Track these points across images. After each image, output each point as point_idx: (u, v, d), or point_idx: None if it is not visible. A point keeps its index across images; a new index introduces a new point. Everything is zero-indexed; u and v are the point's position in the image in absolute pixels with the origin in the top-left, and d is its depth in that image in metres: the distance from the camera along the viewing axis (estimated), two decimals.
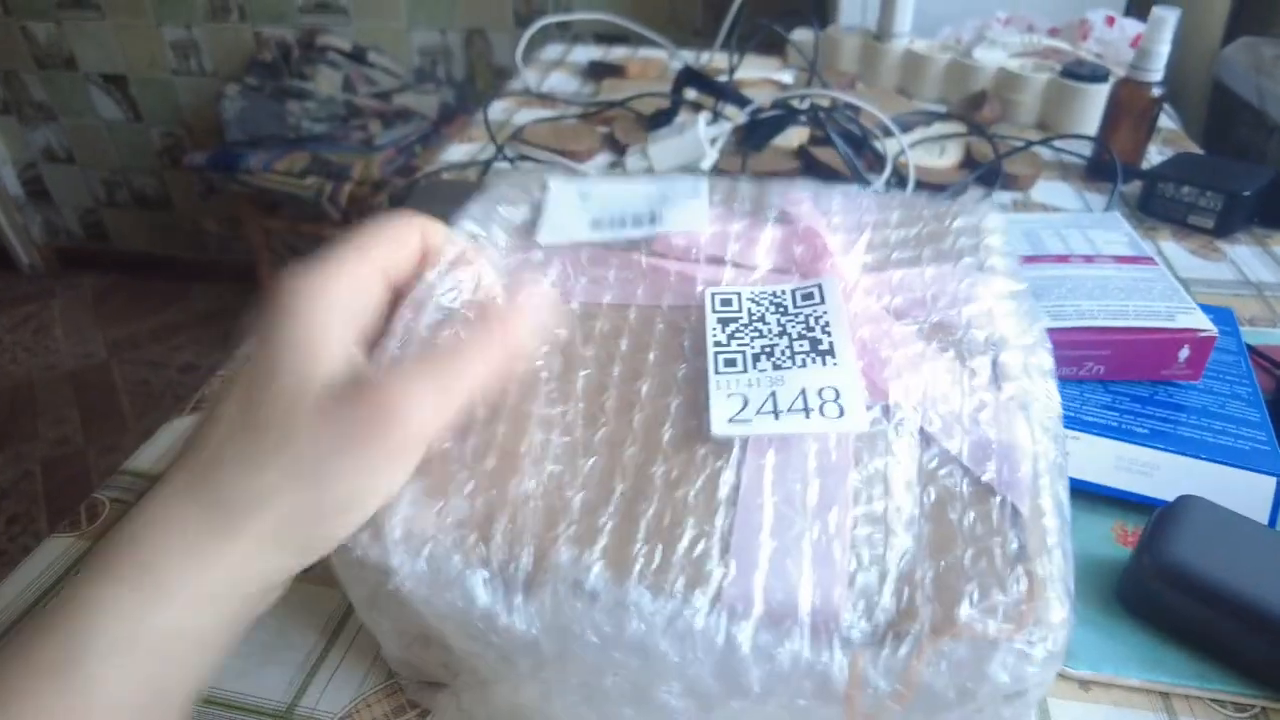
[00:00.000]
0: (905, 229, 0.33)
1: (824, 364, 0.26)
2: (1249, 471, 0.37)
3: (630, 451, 0.25)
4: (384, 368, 0.25)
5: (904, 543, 0.22)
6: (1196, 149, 0.77)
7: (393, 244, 0.27)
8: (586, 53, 1.07)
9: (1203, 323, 0.40)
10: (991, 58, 0.81)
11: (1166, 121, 0.82)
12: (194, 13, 1.82)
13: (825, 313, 0.28)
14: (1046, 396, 0.26)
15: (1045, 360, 0.28)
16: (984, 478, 0.24)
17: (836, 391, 0.25)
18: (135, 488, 0.40)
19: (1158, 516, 0.34)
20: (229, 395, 0.23)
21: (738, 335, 0.28)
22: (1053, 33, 0.84)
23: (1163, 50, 0.64)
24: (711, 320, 0.29)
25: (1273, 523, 0.37)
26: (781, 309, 0.29)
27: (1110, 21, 0.80)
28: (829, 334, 0.27)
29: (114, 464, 0.43)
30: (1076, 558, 0.37)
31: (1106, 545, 0.38)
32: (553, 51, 1.09)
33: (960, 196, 0.33)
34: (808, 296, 0.29)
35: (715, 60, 0.95)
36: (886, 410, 0.25)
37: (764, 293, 0.29)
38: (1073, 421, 0.39)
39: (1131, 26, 0.80)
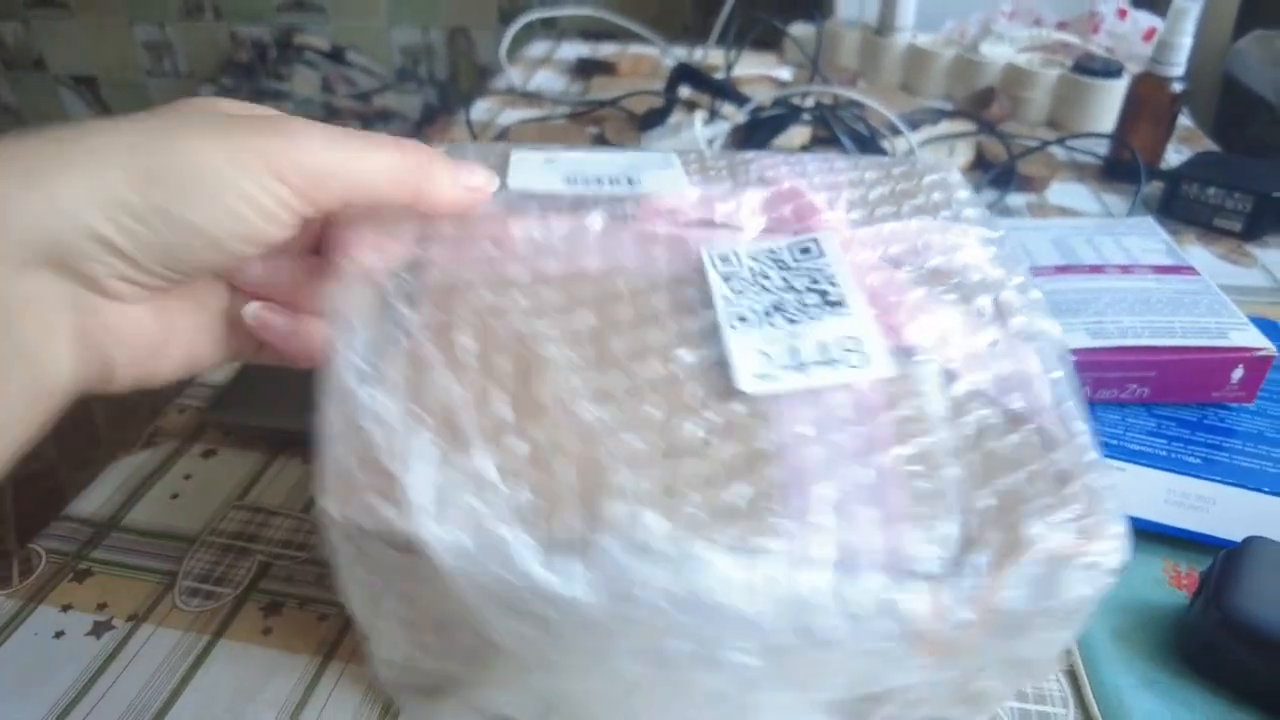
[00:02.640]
0: (881, 187, 0.33)
1: (838, 314, 0.26)
2: None
3: (656, 408, 0.24)
4: None
5: (956, 474, 0.23)
6: (1214, 147, 0.74)
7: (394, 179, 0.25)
8: (574, 49, 1.03)
9: (1259, 340, 0.36)
10: (998, 53, 0.78)
11: (1181, 119, 0.79)
12: (167, 11, 1.76)
13: (827, 265, 0.28)
14: (1049, 327, 0.27)
15: (1038, 295, 0.28)
16: (1013, 406, 0.24)
17: (857, 340, 0.26)
18: (77, 535, 0.36)
19: (1223, 561, 0.31)
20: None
21: (743, 292, 0.27)
22: (1061, 26, 0.81)
23: (1185, 43, 0.61)
24: (714, 277, 0.28)
25: None
26: (782, 265, 0.28)
27: (1122, 14, 0.76)
28: (835, 285, 0.27)
29: (87, 481, 0.39)
30: (1127, 605, 0.33)
31: (1159, 590, 0.34)
32: (538, 49, 1.04)
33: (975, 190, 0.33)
34: (805, 251, 0.29)
35: (710, 57, 0.91)
36: (907, 353, 0.26)
37: (762, 249, 0.29)
38: (1117, 451, 0.35)
39: (1144, 19, 0.76)
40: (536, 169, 0.32)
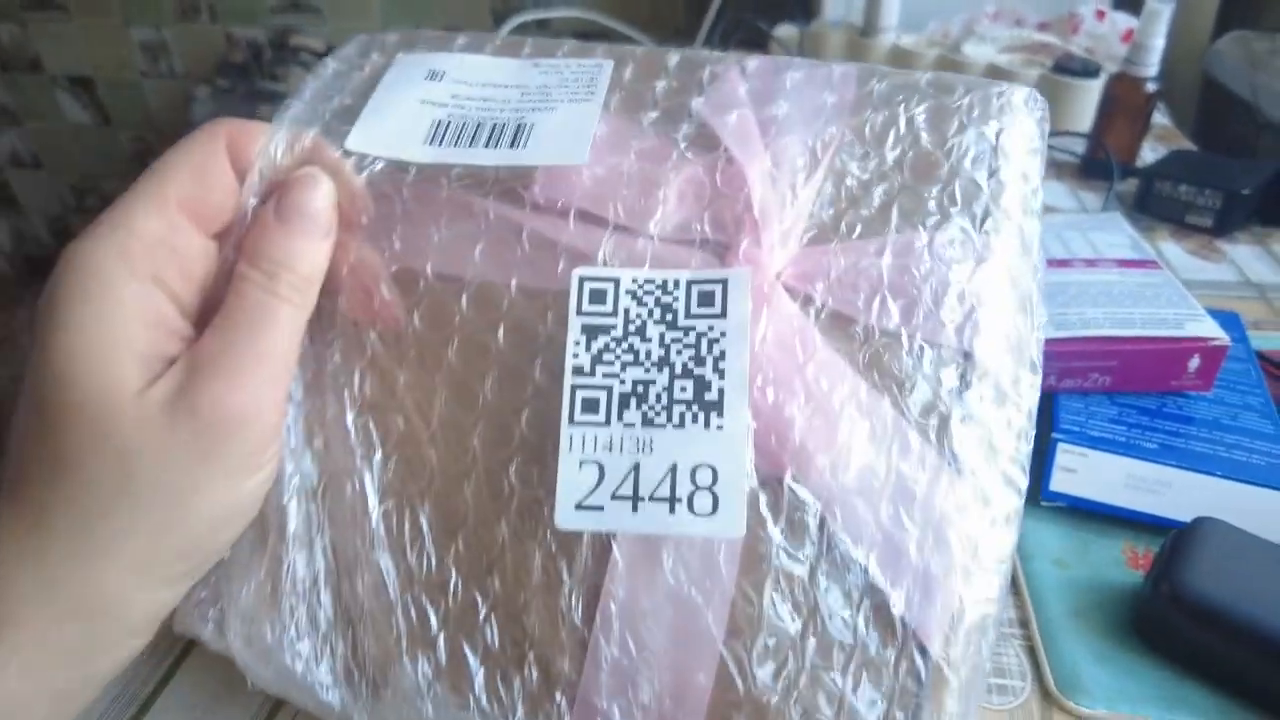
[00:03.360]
0: (879, 151, 0.23)
1: (706, 425, 0.20)
2: (1266, 489, 0.35)
3: (465, 530, 0.21)
4: (196, 355, 0.20)
5: (782, 686, 0.19)
6: (1190, 146, 0.76)
7: (195, 173, 0.21)
8: None
9: (1214, 331, 0.38)
10: (981, 53, 0.79)
11: (1159, 118, 0.80)
12: (163, 13, 1.77)
13: (724, 334, 0.21)
14: (1011, 485, 0.20)
15: (1027, 422, 0.20)
16: (892, 606, 0.19)
17: (714, 473, 0.20)
18: None
19: (1173, 541, 0.32)
20: (27, 426, 0.20)
21: (606, 357, 0.21)
22: (1042, 27, 0.82)
23: (1157, 44, 0.62)
24: (575, 327, 0.21)
25: None
26: (670, 316, 0.21)
27: (1100, 15, 0.78)
28: (721, 373, 0.20)
29: None
30: (1086, 584, 0.35)
31: (1117, 570, 0.35)
32: None
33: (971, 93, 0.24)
34: (706, 299, 0.21)
35: None
36: (777, 493, 0.20)
37: (651, 282, 0.22)
38: (1079, 437, 0.37)
39: (1122, 20, 0.78)
40: (409, 99, 0.25)
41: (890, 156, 0.23)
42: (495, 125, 0.24)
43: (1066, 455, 0.37)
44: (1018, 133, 0.23)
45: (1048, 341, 0.39)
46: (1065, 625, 0.33)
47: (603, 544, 0.20)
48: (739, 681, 0.19)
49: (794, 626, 0.20)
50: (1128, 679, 0.31)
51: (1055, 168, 0.71)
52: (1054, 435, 0.37)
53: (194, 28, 1.77)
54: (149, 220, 0.21)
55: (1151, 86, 0.64)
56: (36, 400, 0.20)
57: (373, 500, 0.22)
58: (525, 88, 0.25)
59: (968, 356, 0.21)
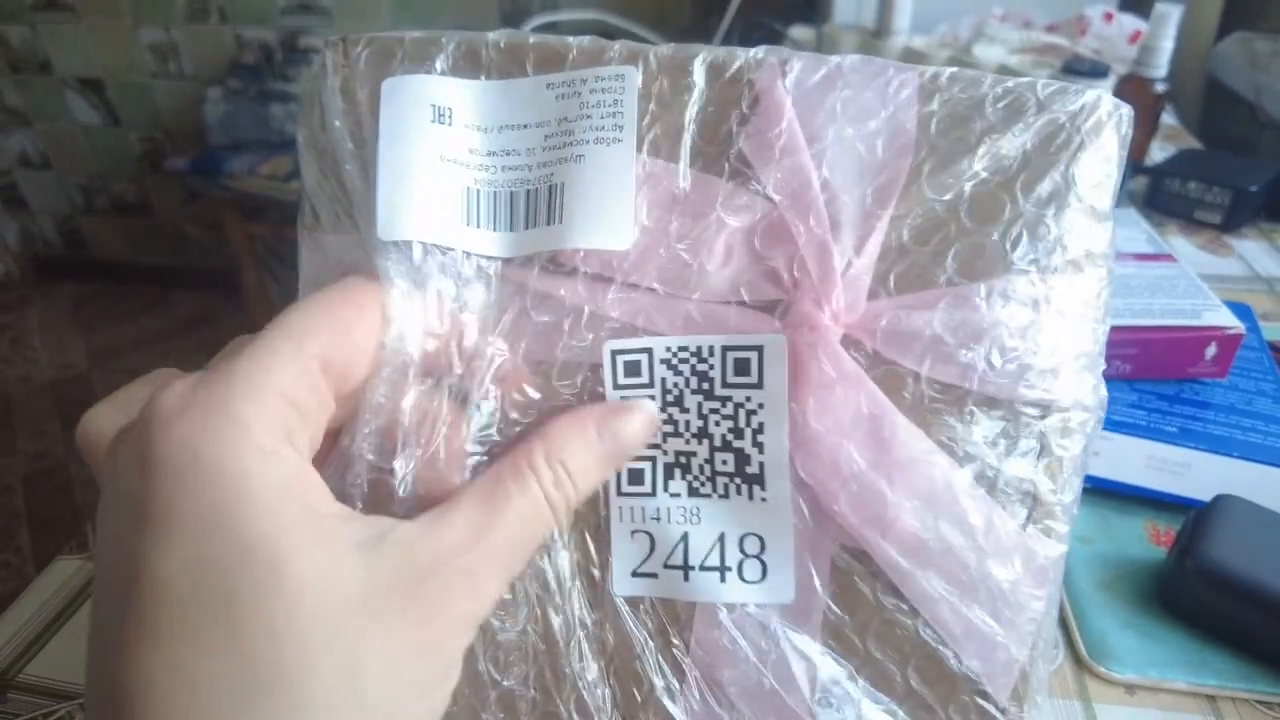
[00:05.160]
0: (938, 195, 0.20)
1: (750, 497, 0.20)
2: None
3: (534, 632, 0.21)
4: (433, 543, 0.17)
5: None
6: (1197, 145, 0.78)
7: (336, 329, 0.18)
8: None
9: (1229, 320, 0.40)
10: (991, 55, 0.81)
11: (1166, 118, 0.82)
12: (172, 15, 1.78)
13: (761, 405, 0.20)
14: (1053, 536, 0.20)
15: (1073, 473, 0.20)
16: (964, 662, 0.20)
17: (761, 542, 0.20)
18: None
19: (1196, 517, 0.34)
20: (188, 635, 0.14)
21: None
22: (1050, 29, 0.84)
23: (1166, 46, 0.64)
24: (613, 399, 0.20)
25: None
26: (707, 385, 0.20)
27: (1108, 17, 0.80)
28: (760, 446, 0.20)
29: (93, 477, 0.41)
30: (1112, 559, 0.36)
31: (1141, 546, 0.37)
32: None
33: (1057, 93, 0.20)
34: (741, 369, 0.20)
35: None
36: (826, 569, 0.20)
37: (685, 351, 0.20)
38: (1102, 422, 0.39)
39: (1129, 22, 0.80)
40: (427, 162, 0.20)
41: (947, 199, 0.20)
42: (529, 194, 0.21)
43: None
44: (1095, 157, 0.20)
45: None
46: (1094, 597, 0.35)
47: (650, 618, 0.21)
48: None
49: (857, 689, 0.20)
50: (1155, 645, 0.32)
51: None
52: None
53: (204, 29, 1.79)
54: (294, 381, 0.17)
55: (1160, 87, 0.66)
56: (224, 606, 0.15)
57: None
58: (545, 124, 0.21)
59: (1017, 415, 0.20)
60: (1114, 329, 0.39)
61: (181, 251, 2.15)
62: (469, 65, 0.22)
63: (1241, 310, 0.46)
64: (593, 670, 0.21)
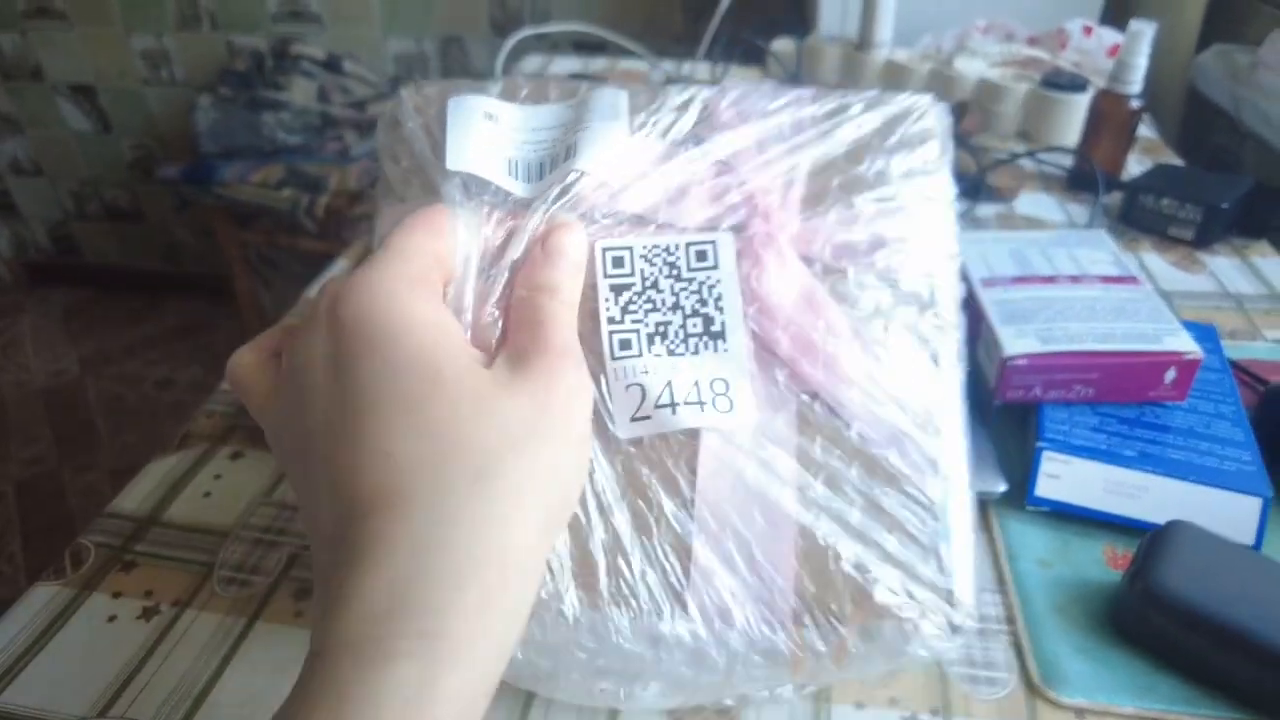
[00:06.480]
0: (843, 136, 0.30)
1: (715, 349, 0.27)
2: (1236, 493, 0.37)
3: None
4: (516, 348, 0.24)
5: (824, 529, 0.26)
6: (1175, 159, 0.78)
7: (429, 229, 0.25)
8: (567, 64, 1.06)
9: (1188, 345, 0.40)
10: (972, 68, 0.82)
11: (1145, 131, 0.83)
12: (164, 22, 1.79)
13: (719, 280, 0.27)
14: (953, 354, 0.28)
15: (953, 312, 0.29)
16: (891, 460, 0.26)
17: (726, 383, 0.27)
18: (121, 531, 0.39)
19: (1148, 543, 0.35)
20: (389, 434, 0.21)
21: (631, 308, 0.27)
22: (1031, 41, 0.85)
23: (1140, 63, 0.65)
24: (604, 288, 0.27)
25: (1259, 543, 0.37)
26: (675, 272, 0.28)
27: (1088, 31, 0.80)
28: (720, 310, 0.27)
29: (89, 483, 0.42)
30: (1069, 583, 0.37)
31: (1098, 569, 0.38)
32: (532, 63, 1.08)
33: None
34: (701, 257, 0.28)
35: (697, 71, 0.94)
36: (779, 392, 0.27)
37: (658, 247, 0.28)
38: (1063, 445, 0.39)
39: (1108, 36, 0.80)
40: (480, 134, 0.29)
41: (835, 153, 0.30)
42: (552, 158, 0.29)
43: (1051, 462, 0.39)
44: (919, 130, 0.31)
45: (1034, 355, 0.42)
46: (1048, 621, 0.35)
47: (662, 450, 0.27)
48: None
49: (821, 487, 0.27)
50: (1104, 670, 0.33)
51: (1044, 180, 0.74)
52: (1039, 444, 0.39)
53: (195, 36, 1.79)
54: (430, 251, 0.25)
55: (1136, 103, 0.67)
56: (409, 400, 0.21)
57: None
58: (565, 124, 0.30)
59: (895, 282, 0.28)
60: (1076, 354, 0.40)
61: (173, 258, 2.16)
62: (508, 98, 0.31)
63: (1205, 331, 0.46)
64: (611, 500, 0.26)
